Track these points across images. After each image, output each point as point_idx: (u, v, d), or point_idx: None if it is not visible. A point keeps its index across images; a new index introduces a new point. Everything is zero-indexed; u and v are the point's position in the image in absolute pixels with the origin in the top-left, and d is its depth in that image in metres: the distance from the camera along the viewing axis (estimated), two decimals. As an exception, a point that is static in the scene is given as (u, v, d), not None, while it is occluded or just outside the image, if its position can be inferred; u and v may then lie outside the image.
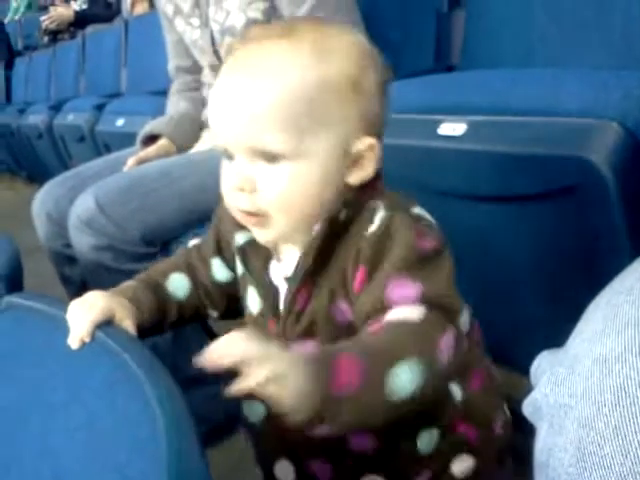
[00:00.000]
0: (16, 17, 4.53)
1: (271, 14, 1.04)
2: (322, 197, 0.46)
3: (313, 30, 0.47)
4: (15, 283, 0.70)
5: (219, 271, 0.58)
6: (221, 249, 0.58)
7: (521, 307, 0.80)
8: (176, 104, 1.25)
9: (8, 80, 4.10)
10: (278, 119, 0.44)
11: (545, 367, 0.34)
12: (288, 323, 0.50)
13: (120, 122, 1.83)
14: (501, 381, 0.57)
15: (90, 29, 3.19)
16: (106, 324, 0.49)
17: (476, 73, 0.92)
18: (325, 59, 0.45)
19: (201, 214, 0.92)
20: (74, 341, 0.47)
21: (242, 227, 0.51)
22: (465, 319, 0.53)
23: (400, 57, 1.28)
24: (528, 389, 0.35)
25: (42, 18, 3.60)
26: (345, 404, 0.38)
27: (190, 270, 0.58)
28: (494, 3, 1.15)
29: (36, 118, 2.74)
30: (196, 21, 1.12)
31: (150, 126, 1.21)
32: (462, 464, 0.51)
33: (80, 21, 3.38)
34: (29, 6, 4.48)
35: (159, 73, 1.57)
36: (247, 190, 0.46)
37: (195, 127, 1.20)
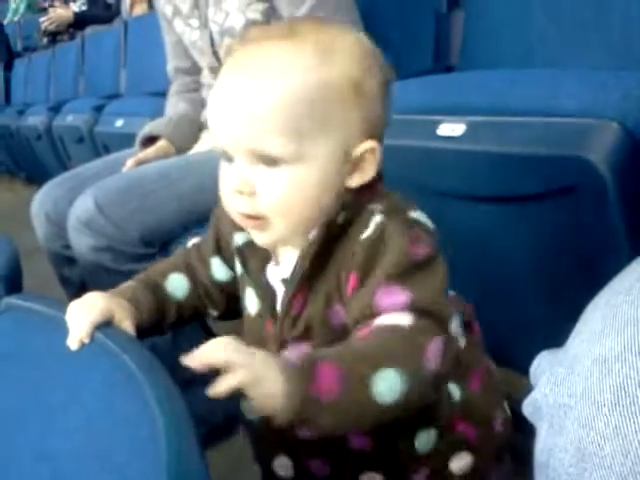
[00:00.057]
0: (15, 18, 4.53)
1: (270, 15, 1.04)
2: (321, 201, 0.46)
3: (315, 31, 0.46)
4: (14, 284, 0.70)
5: (219, 270, 0.58)
6: (220, 248, 0.57)
7: (520, 307, 0.80)
8: (175, 105, 1.25)
9: (7, 81, 4.10)
10: (278, 122, 0.44)
11: (545, 367, 0.34)
12: (285, 325, 0.50)
13: (119, 123, 1.83)
14: (501, 380, 0.57)
15: (89, 30, 3.19)
16: (105, 325, 0.48)
17: (475, 73, 0.92)
18: (327, 61, 0.44)
19: (200, 215, 0.92)
20: (73, 342, 0.47)
21: (241, 228, 0.51)
22: (456, 325, 0.53)
23: (399, 58, 1.28)
24: (528, 389, 0.35)
25: (41, 19, 3.60)
26: (326, 409, 0.39)
27: (189, 270, 0.58)
28: (493, 3, 1.15)
29: (35, 119, 2.74)
30: (195, 22, 1.12)
31: (149, 127, 1.21)
32: (461, 461, 0.51)
33: (79, 22, 3.38)
34: (28, 7, 4.48)
35: (158, 74, 1.57)
36: (246, 193, 0.46)
37: (194, 128, 1.20)
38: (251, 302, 0.54)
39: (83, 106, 2.28)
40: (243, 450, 0.59)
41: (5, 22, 4.53)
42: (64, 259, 1.12)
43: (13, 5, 4.62)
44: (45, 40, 3.71)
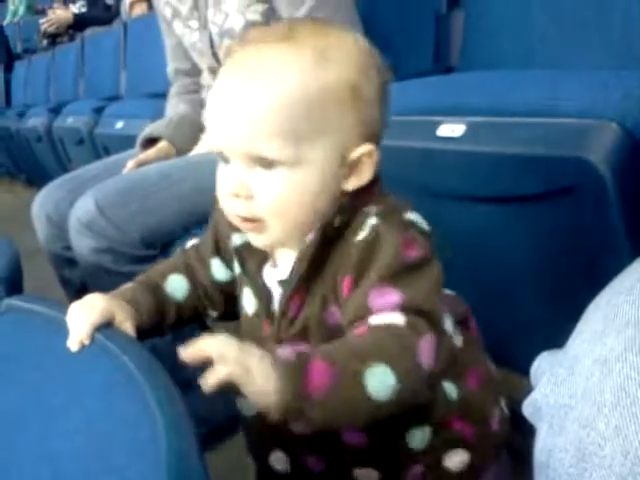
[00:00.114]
0: (15, 20, 4.53)
1: (270, 16, 1.04)
2: (318, 204, 0.46)
3: (313, 34, 0.46)
4: (15, 286, 0.70)
5: (218, 271, 0.58)
6: (220, 249, 0.58)
7: (521, 308, 0.80)
8: (175, 106, 1.25)
9: (7, 83, 4.11)
10: (275, 125, 0.44)
11: (545, 368, 0.34)
12: (282, 325, 0.50)
13: (119, 125, 1.83)
14: (501, 380, 0.58)
15: (89, 32, 3.19)
16: (105, 326, 0.48)
17: (475, 74, 0.92)
18: (325, 64, 0.44)
19: (201, 216, 0.92)
20: (74, 343, 0.47)
21: (238, 229, 0.51)
22: (450, 324, 0.53)
23: (399, 59, 1.28)
24: (528, 390, 0.35)
25: (41, 21, 3.60)
26: (318, 406, 0.39)
27: (189, 271, 0.58)
28: (493, 4, 1.15)
29: (35, 121, 2.75)
30: (195, 23, 1.12)
31: (149, 129, 1.21)
32: (457, 459, 0.51)
33: (79, 24, 3.38)
34: (27, 9, 4.49)
35: (158, 76, 1.57)
36: (242, 196, 0.46)
37: (194, 129, 1.20)
38: (248, 302, 0.54)
39: (83, 108, 2.28)
40: (243, 451, 0.59)
41: (5, 24, 4.53)
42: (64, 260, 1.12)
43: (12, 7, 4.63)
44: (45, 42, 3.72)
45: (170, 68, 1.29)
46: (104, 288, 0.54)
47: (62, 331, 0.48)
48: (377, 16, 1.27)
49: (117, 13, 3.13)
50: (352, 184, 0.47)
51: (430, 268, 0.45)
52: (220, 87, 0.46)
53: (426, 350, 0.42)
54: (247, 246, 0.51)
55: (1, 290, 0.65)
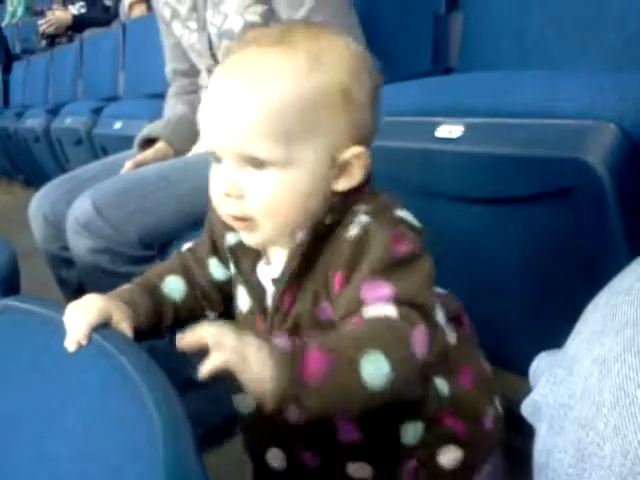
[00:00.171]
0: (13, 21, 4.53)
1: (269, 17, 1.04)
2: (308, 204, 0.47)
3: (306, 38, 0.47)
4: (12, 286, 0.70)
5: (216, 270, 0.58)
6: (217, 249, 0.58)
7: (519, 308, 0.80)
8: (173, 107, 1.25)
9: (6, 84, 4.10)
10: (267, 126, 0.45)
11: (544, 368, 0.34)
12: (275, 321, 0.51)
13: (117, 125, 1.83)
14: (493, 377, 0.58)
15: (88, 33, 3.19)
16: (103, 327, 0.48)
17: (473, 75, 0.93)
18: (317, 68, 0.45)
19: (198, 217, 0.92)
20: (71, 344, 0.46)
21: (232, 228, 0.52)
22: (441, 317, 0.54)
23: (397, 59, 1.29)
24: (527, 390, 0.35)
25: (40, 22, 3.60)
26: (314, 393, 0.40)
27: (186, 272, 0.58)
28: (492, 5, 1.16)
29: (34, 122, 2.74)
30: (194, 24, 1.12)
31: (148, 129, 1.21)
32: (450, 455, 0.52)
33: (78, 25, 3.37)
34: (26, 10, 4.48)
35: (156, 76, 1.57)
36: (234, 196, 0.47)
37: (192, 130, 1.20)
38: (243, 300, 0.55)
39: (81, 108, 2.28)
40: (241, 452, 0.60)
41: (3, 24, 4.53)
42: (62, 261, 1.12)
43: (10, 8, 4.63)
44: (43, 43, 3.72)
45: (168, 69, 1.28)
46: (101, 289, 0.54)
47: (59, 332, 0.48)
48: (376, 17, 1.27)
49: (116, 14, 3.13)
50: (342, 185, 0.48)
51: (420, 263, 0.46)
52: (214, 89, 0.47)
53: (419, 340, 0.43)
54: (241, 245, 0.52)
55: (-2, 290, 0.65)
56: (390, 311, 0.43)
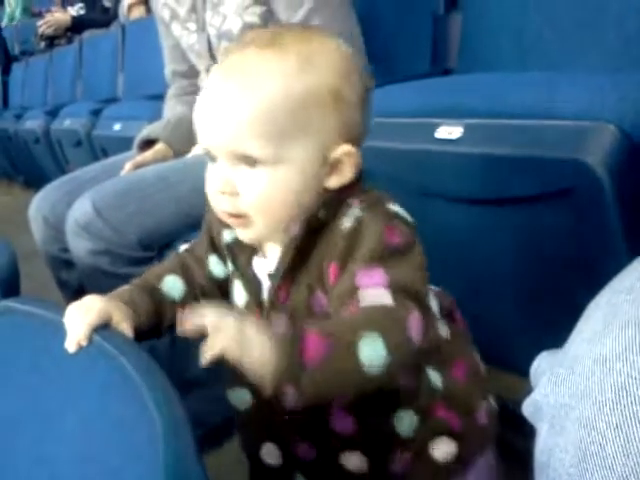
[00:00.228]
0: (12, 23, 4.53)
1: (268, 18, 1.04)
2: (300, 201, 0.48)
3: (298, 40, 0.48)
4: (12, 287, 0.70)
5: (216, 267, 0.59)
6: (215, 246, 0.59)
7: (519, 309, 0.80)
8: (173, 108, 1.25)
9: (5, 85, 4.10)
10: (259, 126, 0.46)
11: (545, 368, 0.34)
12: (271, 314, 0.52)
13: (117, 127, 1.83)
14: (487, 376, 0.58)
15: (87, 34, 3.19)
16: (103, 327, 0.48)
17: (473, 76, 0.93)
18: (308, 69, 0.47)
19: (198, 218, 0.92)
20: (71, 344, 0.47)
21: (228, 225, 0.53)
22: (434, 306, 0.54)
23: (397, 60, 1.29)
24: (528, 390, 0.35)
25: (39, 23, 3.59)
26: (312, 375, 0.41)
27: (184, 271, 0.58)
28: (491, 6, 1.16)
29: (33, 123, 2.74)
30: (193, 26, 1.13)
31: (147, 130, 1.21)
32: (444, 448, 0.52)
33: (77, 26, 3.37)
34: (24, 12, 4.48)
35: (156, 78, 1.57)
36: (228, 193, 0.48)
37: (192, 131, 1.20)
38: (239, 295, 0.55)
39: (81, 110, 2.28)
40: (241, 452, 0.59)
41: (2, 26, 4.53)
42: (62, 262, 1.12)
43: (8, 9, 4.62)
44: (43, 44, 3.71)
45: (168, 70, 1.28)
46: (101, 290, 0.54)
47: (59, 333, 0.48)
48: (375, 18, 1.28)
49: (115, 16, 3.13)
50: (334, 182, 0.49)
51: (413, 254, 0.47)
52: (208, 89, 0.48)
53: (415, 326, 0.43)
54: (237, 242, 0.53)
55: (-2, 292, 0.65)
56: (385, 298, 0.44)
